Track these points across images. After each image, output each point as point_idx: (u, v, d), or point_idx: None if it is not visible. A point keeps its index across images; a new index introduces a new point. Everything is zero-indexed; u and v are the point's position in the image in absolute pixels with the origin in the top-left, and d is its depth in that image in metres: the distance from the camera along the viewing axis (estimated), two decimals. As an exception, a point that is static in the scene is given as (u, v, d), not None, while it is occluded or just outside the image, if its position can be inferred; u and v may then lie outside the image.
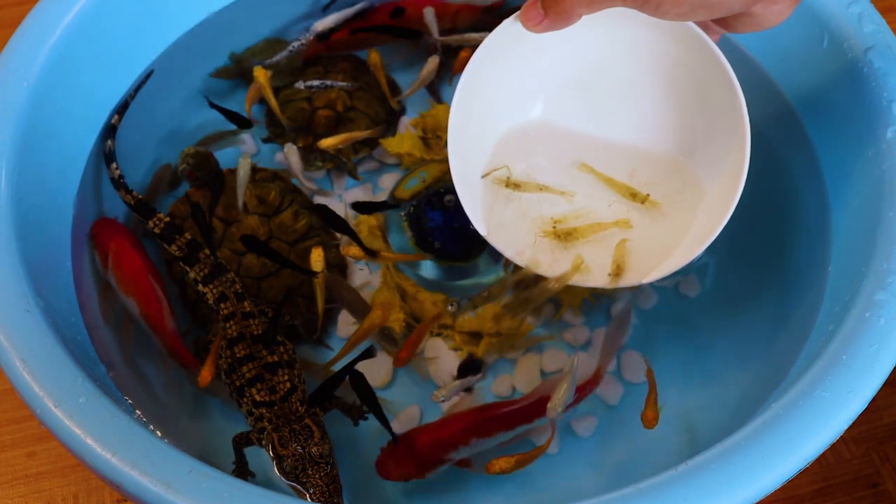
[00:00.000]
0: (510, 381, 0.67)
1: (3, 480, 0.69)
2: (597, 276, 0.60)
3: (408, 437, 0.62)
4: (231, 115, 0.76)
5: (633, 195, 0.63)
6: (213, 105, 0.76)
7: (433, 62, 0.79)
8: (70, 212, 0.67)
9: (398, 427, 0.65)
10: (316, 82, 0.80)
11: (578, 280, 0.60)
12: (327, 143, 0.74)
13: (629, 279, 0.60)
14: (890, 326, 0.53)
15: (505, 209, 0.63)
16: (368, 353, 0.64)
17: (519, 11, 0.56)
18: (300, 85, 0.79)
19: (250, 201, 0.73)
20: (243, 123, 0.76)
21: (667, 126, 0.63)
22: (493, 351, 0.69)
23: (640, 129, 0.64)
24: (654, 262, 0.60)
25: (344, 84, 0.80)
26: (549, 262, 0.61)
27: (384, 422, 0.61)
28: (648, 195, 0.63)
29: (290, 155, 0.75)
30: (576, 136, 0.65)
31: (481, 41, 0.58)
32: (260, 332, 0.64)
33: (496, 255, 0.73)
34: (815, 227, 0.67)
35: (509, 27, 0.57)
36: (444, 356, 0.68)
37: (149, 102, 0.75)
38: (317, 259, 0.68)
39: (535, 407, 0.62)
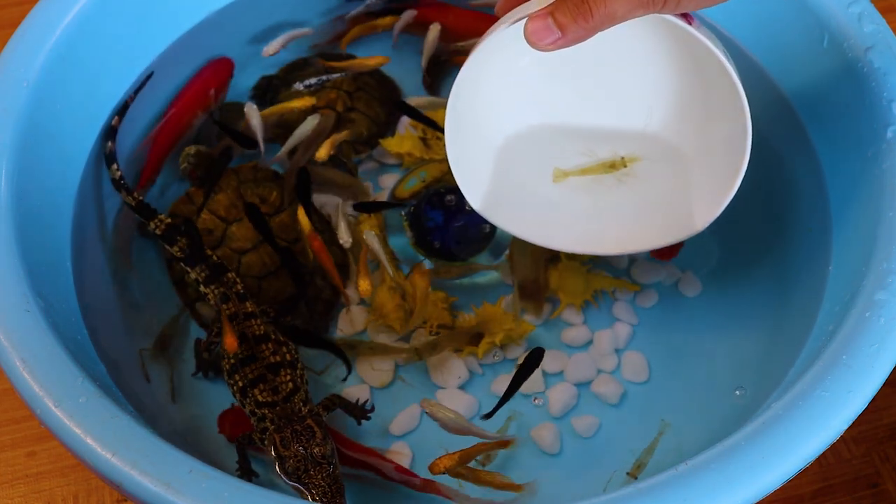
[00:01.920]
0: (509, 380, 0.67)
1: (3, 480, 0.69)
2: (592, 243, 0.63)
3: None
4: (237, 136, 0.75)
5: (612, 166, 0.64)
6: (218, 124, 0.76)
7: (434, 30, 0.80)
8: (70, 212, 0.67)
9: (397, 429, 0.65)
10: (313, 80, 0.80)
11: (582, 247, 0.63)
12: (322, 154, 0.73)
13: (631, 247, 0.63)
14: (890, 326, 0.53)
15: (503, 186, 0.64)
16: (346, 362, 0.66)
17: (515, 23, 0.52)
18: (298, 86, 0.79)
19: (253, 200, 0.72)
20: (249, 144, 0.75)
21: (664, 106, 0.64)
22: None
23: (634, 111, 0.64)
24: (658, 230, 0.62)
25: (340, 74, 0.80)
26: (550, 234, 0.63)
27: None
28: (624, 157, 0.64)
29: (252, 117, 0.75)
30: (572, 124, 0.66)
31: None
32: (262, 332, 0.64)
33: (496, 254, 0.73)
34: (815, 227, 0.67)
35: (503, 34, 0.54)
36: (448, 358, 0.68)
37: (149, 102, 0.75)
38: (302, 215, 0.70)
39: (362, 461, 0.62)
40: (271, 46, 0.80)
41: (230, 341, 0.62)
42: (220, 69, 0.80)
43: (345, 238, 0.70)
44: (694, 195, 0.62)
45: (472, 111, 0.61)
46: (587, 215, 0.65)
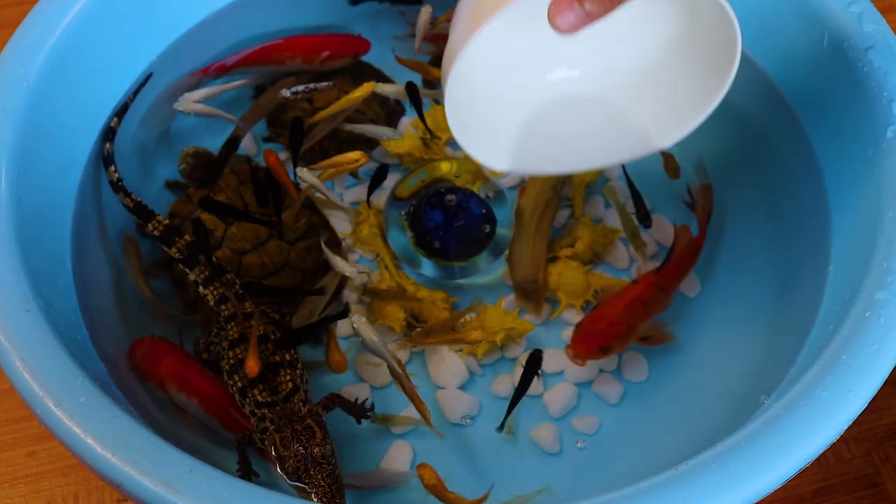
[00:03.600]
0: (510, 380, 0.68)
1: (3, 480, 0.69)
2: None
3: (177, 359, 0.65)
4: (260, 189, 0.73)
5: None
6: (257, 170, 0.74)
7: (426, 12, 0.79)
8: (70, 211, 0.67)
9: (397, 428, 0.65)
10: (301, 87, 0.79)
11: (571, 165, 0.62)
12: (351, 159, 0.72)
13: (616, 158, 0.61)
14: (890, 326, 0.53)
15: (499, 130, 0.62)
16: (342, 314, 0.66)
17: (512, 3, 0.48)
18: (285, 93, 0.78)
19: (251, 201, 0.73)
20: (264, 202, 0.73)
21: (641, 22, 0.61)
22: (492, 350, 0.69)
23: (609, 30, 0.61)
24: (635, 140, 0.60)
25: (327, 84, 0.79)
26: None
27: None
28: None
29: (194, 109, 0.75)
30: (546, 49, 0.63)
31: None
32: (261, 332, 0.64)
33: (496, 254, 0.73)
34: (815, 227, 0.67)
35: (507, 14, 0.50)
36: (447, 358, 0.68)
37: (149, 103, 0.75)
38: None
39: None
40: (192, 95, 0.76)
41: (252, 365, 0.60)
42: (347, 42, 0.80)
43: (345, 268, 0.68)
44: (681, 103, 0.60)
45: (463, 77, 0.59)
46: (581, 134, 0.62)
